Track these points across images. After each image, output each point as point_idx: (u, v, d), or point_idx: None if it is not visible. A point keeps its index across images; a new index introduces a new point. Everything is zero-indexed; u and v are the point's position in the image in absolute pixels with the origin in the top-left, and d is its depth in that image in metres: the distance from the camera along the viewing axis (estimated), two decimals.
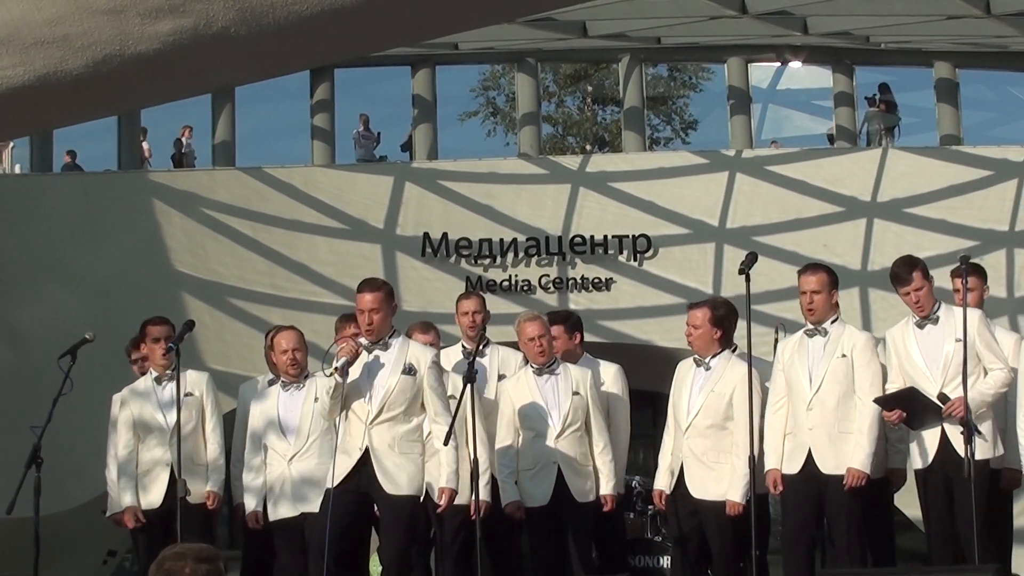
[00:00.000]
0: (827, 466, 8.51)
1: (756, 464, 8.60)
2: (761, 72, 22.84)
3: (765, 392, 8.81)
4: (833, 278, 8.78)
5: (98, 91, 6.42)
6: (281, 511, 9.28)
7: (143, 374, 9.95)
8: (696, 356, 9.11)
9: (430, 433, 8.53)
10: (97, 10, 5.96)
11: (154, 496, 9.51)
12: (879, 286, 16.32)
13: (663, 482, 9.13)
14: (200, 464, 9.63)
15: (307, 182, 17.86)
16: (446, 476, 8.40)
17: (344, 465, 8.37)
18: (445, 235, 17.56)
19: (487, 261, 17.57)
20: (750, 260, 8.64)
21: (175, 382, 9.35)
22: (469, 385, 8.58)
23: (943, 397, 8.38)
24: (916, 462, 8.66)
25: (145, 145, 21.71)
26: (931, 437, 8.52)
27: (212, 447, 9.67)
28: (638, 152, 20.54)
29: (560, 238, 17.64)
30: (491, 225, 17.69)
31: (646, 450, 14.35)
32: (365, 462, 8.36)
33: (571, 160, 19.89)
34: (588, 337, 10.43)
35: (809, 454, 8.54)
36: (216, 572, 4.45)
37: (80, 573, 14.72)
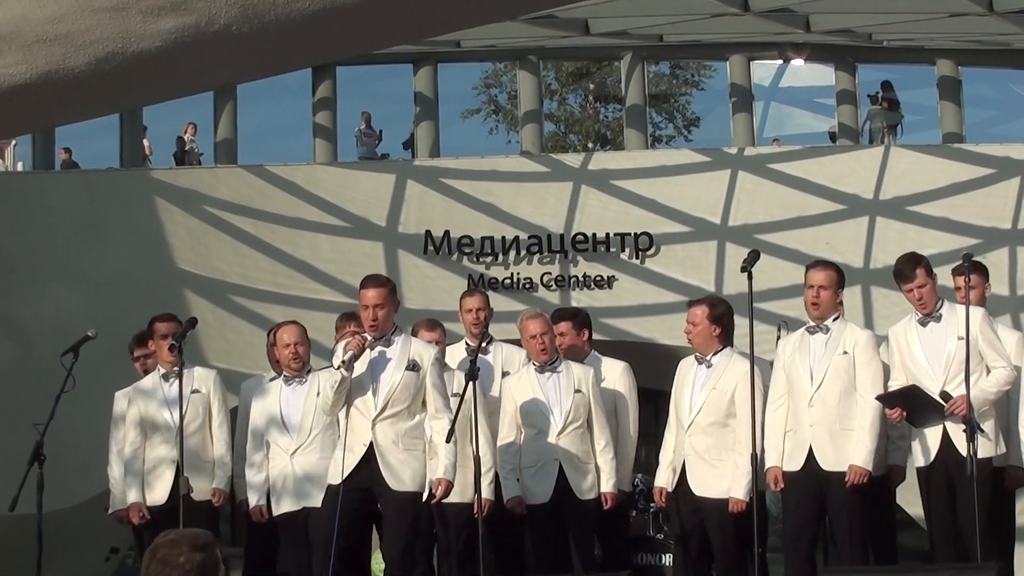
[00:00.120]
0: (828, 463, 8.50)
1: (757, 461, 8.60)
2: (763, 70, 22.85)
3: (764, 390, 8.81)
4: (841, 277, 8.80)
5: (100, 89, 6.43)
6: (284, 506, 9.30)
7: (145, 371, 9.96)
8: (697, 354, 9.11)
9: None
10: (99, 8, 5.97)
11: (159, 493, 9.51)
12: (881, 284, 16.33)
13: (664, 480, 9.13)
14: (206, 461, 9.64)
15: (309, 180, 17.86)
16: (443, 468, 8.40)
17: (348, 461, 8.37)
18: (447, 233, 17.55)
19: (489, 259, 17.57)
20: (752, 258, 8.63)
21: (181, 379, 9.40)
22: (472, 383, 8.59)
23: (945, 395, 8.38)
24: (918, 460, 8.66)
25: (145, 143, 21.71)
26: (933, 435, 8.52)
27: (219, 444, 9.67)
28: (640, 150, 20.54)
29: (562, 236, 17.63)
30: (493, 223, 17.68)
31: (648, 448, 14.36)
32: (369, 458, 8.36)
33: (573, 158, 19.88)
34: None
35: (810, 451, 8.54)
36: (212, 560, 4.32)
37: (83, 570, 14.72)
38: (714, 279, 17.30)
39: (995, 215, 17.37)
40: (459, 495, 8.82)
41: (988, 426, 8.43)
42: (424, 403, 8.50)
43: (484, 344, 9.68)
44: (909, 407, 8.49)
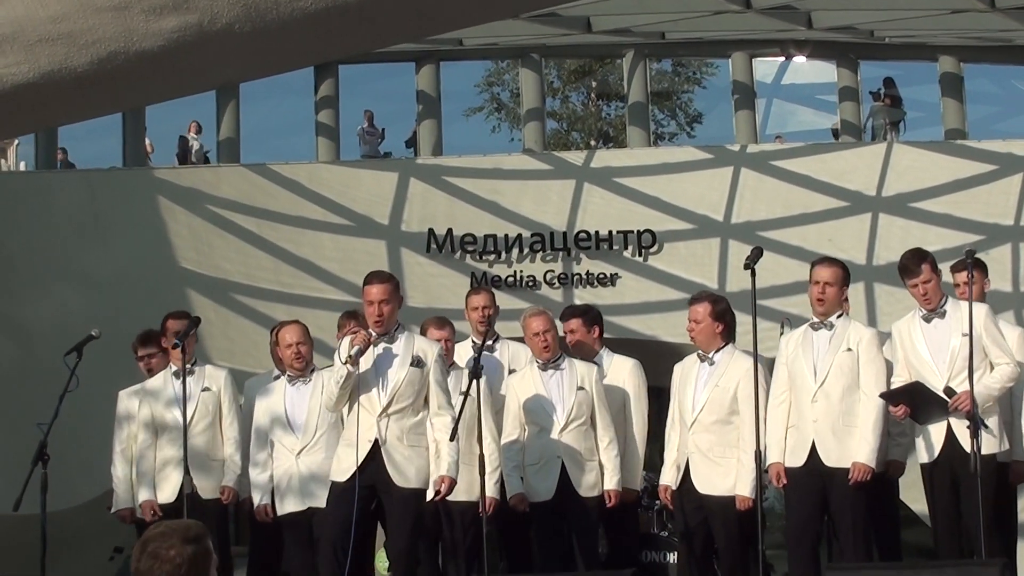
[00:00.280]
0: (831, 459, 8.51)
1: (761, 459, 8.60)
2: (765, 67, 22.84)
3: (766, 387, 8.80)
4: (846, 274, 8.82)
5: (103, 88, 6.42)
6: (288, 506, 9.30)
7: (149, 371, 9.96)
8: (699, 352, 9.11)
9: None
10: (101, 7, 5.96)
11: (168, 492, 9.51)
12: (884, 280, 16.33)
13: (669, 478, 9.13)
14: (216, 460, 9.64)
15: (312, 178, 17.85)
16: (446, 465, 8.40)
17: (352, 459, 8.36)
18: (450, 231, 17.55)
19: (492, 257, 17.56)
20: (755, 255, 8.63)
21: (192, 377, 9.44)
22: (476, 381, 8.59)
23: (949, 391, 8.38)
24: (922, 456, 8.66)
25: (147, 140, 21.71)
26: (937, 432, 8.52)
27: (228, 443, 9.67)
28: (643, 147, 20.54)
29: (565, 234, 17.62)
30: (496, 221, 17.67)
31: (652, 445, 14.37)
32: (374, 455, 8.35)
33: (576, 156, 19.87)
34: None
35: (813, 448, 8.55)
36: (204, 552, 4.27)
37: (86, 570, 14.72)
38: (717, 276, 17.29)
39: (998, 211, 17.36)
40: (465, 493, 8.82)
41: (992, 423, 8.44)
42: (427, 400, 8.51)
43: (491, 342, 9.71)
44: (913, 404, 8.49)
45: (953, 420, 8.43)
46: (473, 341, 9.74)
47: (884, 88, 21.82)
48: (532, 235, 17.60)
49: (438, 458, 8.46)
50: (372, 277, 8.62)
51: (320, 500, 8.82)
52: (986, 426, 8.35)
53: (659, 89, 30.91)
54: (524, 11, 15.14)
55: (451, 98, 23.56)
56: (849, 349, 8.60)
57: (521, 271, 17.55)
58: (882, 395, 8.52)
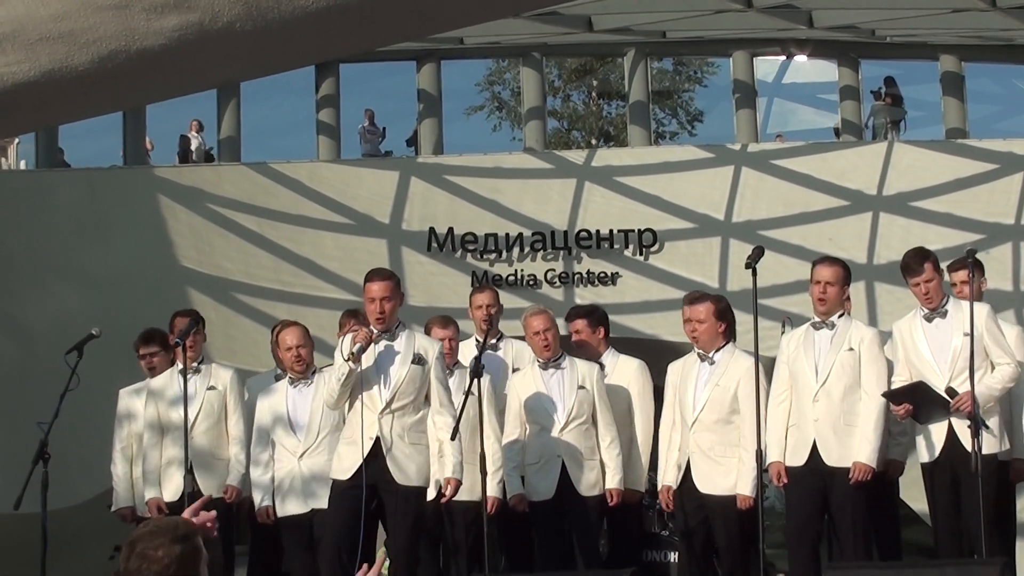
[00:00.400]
0: (832, 459, 8.51)
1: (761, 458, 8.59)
2: (766, 66, 22.82)
3: (766, 386, 8.79)
4: (847, 273, 8.82)
5: (103, 87, 6.42)
6: (290, 507, 9.29)
7: (151, 369, 9.96)
8: (699, 351, 9.10)
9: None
10: (102, 6, 5.96)
11: (172, 491, 9.49)
12: (885, 280, 16.32)
13: (670, 478, 9.13)
14: (220, 459, 9.63)
15: (312, 177, 17.84)
16: (451, 467, 8.41)
17: (353, 457, 8.35)
18: (451, 230, 17.54)
19: (493, 256, 17.55)
20: (757, 254, 8.63)
21: (198, 376, 9.45)
22: (476, 380, 8.59)
23: (951, 391, 8.37)
24: (923, 456, 8.66)
25: (147, 138, 21.68)
26: (938, 431, 8.52)
27: (233, 442, 9.65)
28: (643, 146, 20.51)
29: (566, 233, 17.61)
30: (497, 220, 17.66)
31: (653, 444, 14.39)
32: (376, 454, 8.35)
33: (577, 154, 19.86)
34: None
35: (814, 447, 8.55)
36: (192, 550, 4.22)
37: (86, 569, 14.71)
38: (718, 275, 17.28)
39: (998, 210, 17.35)
40: (467, 493, 8.81)
41: (993, 423, 8.44)
42: (428, 397, 8.51)
43: (495, 341, 9.72)
44: (915, 403, 8.49)
45: (954, 420, 8.43)
46: (477, 340, 9.73)
47: (885, 87, 21.80)
48: (533, 234, 17.59)
49: (441, 458, 8.47)
50: (373, 274, 8.62)
51: (322, 501, 8.82)
52: (987, 426, 8.36)
53: (660, 88, 30.91)
54: (525, 10, 15.14)
55: (452, 97, 23.55)
56: (851, 349, 8.60)
57: (522, 270, 17.54)
58: (885, 394, 8.52)
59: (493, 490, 9.03)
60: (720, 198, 17.73)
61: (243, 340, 16.10)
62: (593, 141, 32.06)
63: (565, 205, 17.73)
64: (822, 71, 22.80)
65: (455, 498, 8.76)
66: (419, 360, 8.47)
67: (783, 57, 22.59)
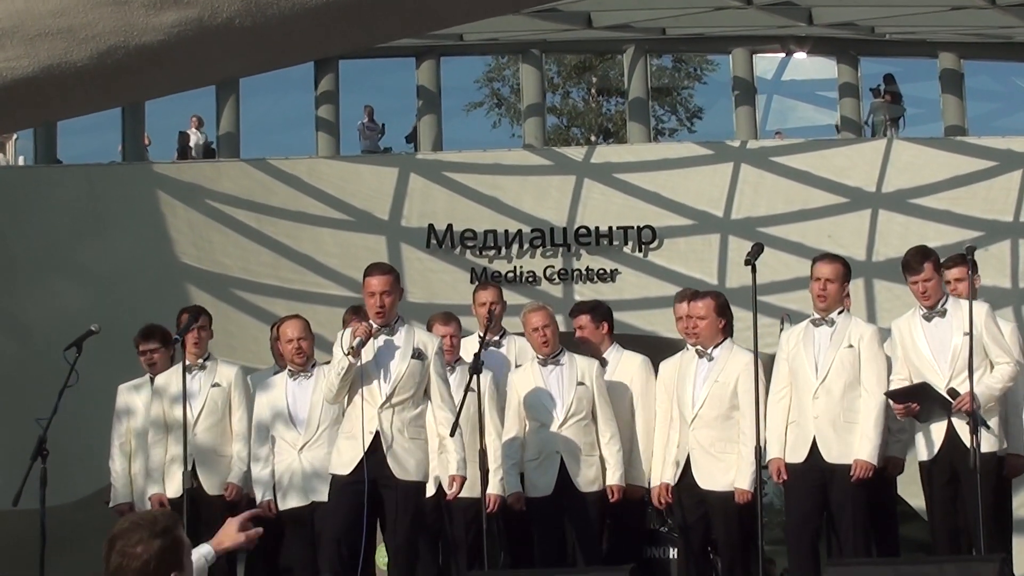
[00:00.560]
0: (832, 455, 8.51)
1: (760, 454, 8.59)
2: (766, 63, 22.82)
3: (764, 383, 8.79)
4: (848, 271, 8.83)
5: (103, 82, 6.42)
6: (291, 501, 9.30)
7: (151, 365, 9.95)
8: (697, 348, 9.10)
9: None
10: (102, 1, 5.96)
11: (174, 487, 9.48)
12: (884, 277, 16.33)
13: (668, 475, 9.13)
14: (223, 456, 9.63)
15: (312, 174, 17.85)
16: (455, 464, 8.42)
17: (353, 452, 8.35)
18: (450, 226, 17.54)
19: (492, 252, 17.56)
20: (756, 251, 8.61)
21: (203, 372, 9.45)
22: (477, 376, 8.59)
23: (953, 392, 8.36)
24: (922, 454, 8.66)
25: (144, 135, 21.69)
26: (938, 429, 8.52)
27: (237, 439, 9.64)
28: (643, 143, 20.52)
29: (565, 229, 17.62)
30: (496, 216, 17.67)
31: None
32: (375, 448, 8.34)
33: (576, 151, 19.87)
34: None
35: (814, 443, 8.55)
36: (173, 543, 4.16)
37: (85, 565, 14.72)
38: (717, 272, 17.29)
39: (997, 208, 17.36)
40: (467, 490, 8.79)
41: (993, 422, 8.43)
42: (427, 392, 8.51)
43: (497, 337, 9.72)
44: (918, 403, 8.48)
45: (954, 418, 8.43)
46: (480, 336, 9.72)
47: (884, 84, 21.80)
48: (532, 231, 17.59)
49: (443, 455, 8.47)
50: (373, 269, 8.62)
51: (322, 495, 8.81)
52: (988, 426, 8.35)
53: (659, 85, 30.90)
54: (525, 7, 15.14)
55: (451, 94, 23.54)
56: (850, 346, 8.60)
57: (521, 267, 17.55)
58: (888, 394, 8.51)
59: (494, 488, 9.03)
60: (719, 195, 17.74)
61: (242, 337, 16.10)
62: (592, 138, 32.06)
63: (564, 202, 17.74)
64: (821, 68, 22.81)
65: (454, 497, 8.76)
66: (419, 355, 8.47)
67: (782, 54, 22.59)
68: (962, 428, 8.34)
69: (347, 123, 21.72)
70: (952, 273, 8.92)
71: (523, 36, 20.76)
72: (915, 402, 8.46)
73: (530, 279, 17.46)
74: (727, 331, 9.11)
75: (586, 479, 9.21)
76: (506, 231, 17.58)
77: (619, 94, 29.59)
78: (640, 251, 17.57)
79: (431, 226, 17.55)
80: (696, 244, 17.63)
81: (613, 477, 9.21)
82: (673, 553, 9.78)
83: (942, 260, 8.95)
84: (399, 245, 17.49)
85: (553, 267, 17.56)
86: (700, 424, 8.91)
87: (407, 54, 21.20)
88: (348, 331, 8.46)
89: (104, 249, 17.01)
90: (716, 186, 17.81)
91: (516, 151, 19.31)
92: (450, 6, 6.79)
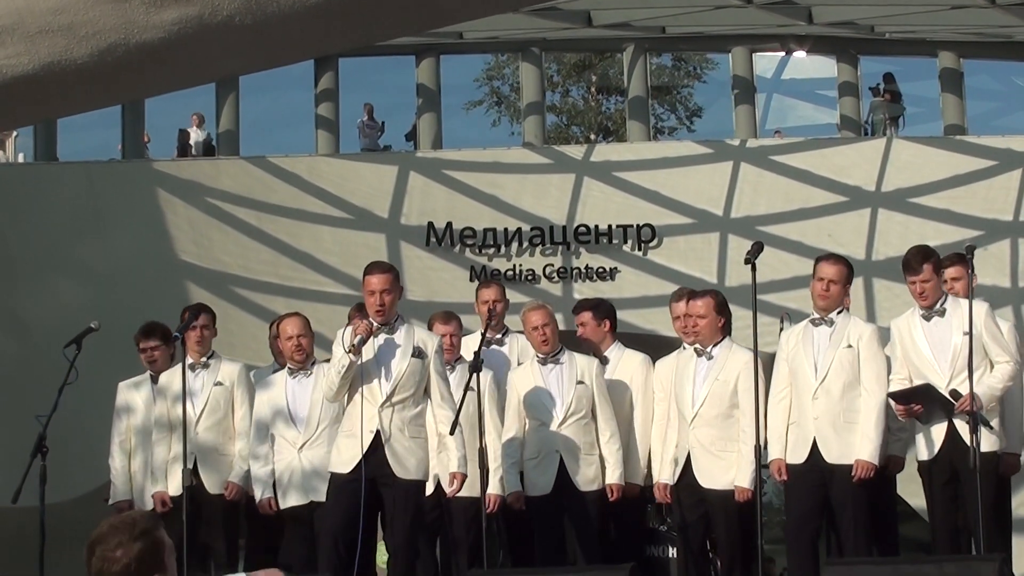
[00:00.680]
0: (832, 455, 8.51)
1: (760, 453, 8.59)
2: (765, 62, 22.82)
3: (764, 382, 8.79)
4: (850, 272, 8.83)
5: (103, 80, 6.43)
6: (291, 500, 9.28)
7: (152, 363, 9.94)
8: (696, 347, 9.10)
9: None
10: None
11: (175, 485, 9.47)
12: (883, 276, 16.33)
13: (667, 474, 9.13)
14: (225, 455, 9.62)
15: (311, 171, 17.85)
16: (456, 461, 8.42)
17: (353, 450, 8.34)
18: (449, 224, 17.54)
19: (491, 251, 17.56)
20: (756, 249, 8.60)
21: (206, 371, 9.45)
22: (476, 375, 8.59)
23: (955, 394, 8.35)
24: (922, 454, 8.65)
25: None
26: (938, 428, 8.51)
27: (239, 437, 9.63)
28: (642, 142, 20.52)
29: (564, 228, 17.62)
30: (495, 214, 17.67)
31: None
32: (376, 447, 8.34)
33: (575, 149, 19.87)
34: None
35: (814, 444, 8.54)
36: (153, 545, 4.15)
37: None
38: (716, 271, 17.29)
39: (996, 207, 17.36)
40: (467, 489, 8.80)
41: (995, 422, 8.43)
42: (427, 391, 8.50)
43: (500, 336, 9.72)
44: (921, 405, 8.47)
45: (955, 417, 8.42)
46: (482, 334, 9.71)
47: (884, 83, 21.80)
48: (532, 229, 17.60)
49: (445, 453, 8.47)
50: (373, 267, 8.62)
51: (322, 494, 8.80)
52: (991, 426, 8.35)
53: (659, 83, 30.89)
54: (525, 5, 15.14)
55: (451, 92, 23.53)
56: (849, 346, 8.60)
57: (520, 265, 17.55)
58: (892, 395, 8.51)
59: (494, 487, 9.04)
60: (719, 194, 17.74)
61: (241, 334, 16.09)
62: (592, 136, 32.06)
63: (564, 200, 17.74)
64: (821, 67, 22.80)
65: (455, 495, 8.77)
66: (419, 353, 8.47)
67: (782, 53, 22.58)
68: (963, 427, 8.34)
69: (347, 121, 21.73)
70: (949, 272, 8.91)
71: (523, 34, 20.76)
72: (918, 403, 8.45)
73: (529, 277, 17.46)
74: (726, 330, 9.11)
75: (585, 478, 9.20)
76: (506, 229, 17.58)
77: (619, 92, 29.59)
78: (640, 250, 17.57)
79: (431, 224, 17.55)
80: (696, 243, 17.63)
81: (612, 476, 9.21)
82: (673, 552, 9.79)
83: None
84: (399, 243, 17.49)
85: (552, 265, 17.56)
86: (700, 423, 8.92)
87: (407, 52, 21.19)
88: (349, 329, 8.46)
89: (104, 246, 17.01)
90: (716, 185, 17.81)
91: (516, 149, 19.31)
92: (451, 5, 6.79)
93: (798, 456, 8.59)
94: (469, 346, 9.59)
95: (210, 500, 9.38)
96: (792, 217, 17.50)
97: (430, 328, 9.23)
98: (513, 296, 14.98)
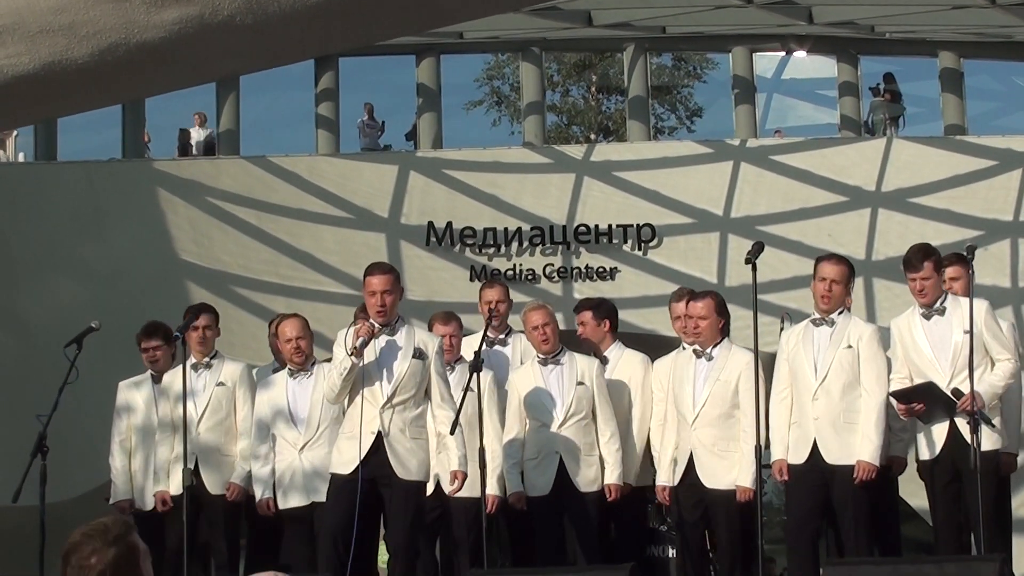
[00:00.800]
0: (832, 456, 8.50)
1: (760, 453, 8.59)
2: (766, 61, 22.83)
3: (764, 382, 8.79)
4: (852, 272, 8.83)
5: (103, 80, 6.43)
6: (291, 501, 9.27)
7: (153, 362, 9.95)
8: (695, 348, 9.10)
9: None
10: None
11: (175, 485, 9.46)
12: (883, 276, 16.34)
13: (666, 477, 9.12)
14: (226, 455, 9.61)
15: (312, 171, 17.86)
16: (457, 460, 8.42)
17: (354, 451, 8.34)
18: (450, 224, 17.55)
19: (491, 250, 17.57)
20: (757, 249, 8.59)
21: (208, 371, 9.45)
22: (476, 375, 8.59)
23: (957, 392, 8.36)
24: (923, 453, 8.65)
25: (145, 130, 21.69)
26: (940, 427, 8.51)
27: (242, 437, 9.62)
28: (643, 141, 20.53)
29: (565, 227, 17.63)
30: (496, 214, 17.68)
31: None
32: (378, 447, 8.34)
33: (576, 149, 19.87)
34: None
35: (815, 444, 8.54)
36: (128, 550, 4.11)
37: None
38: (716, 270, 17.30)
39: (997, 207, 17.37)
40: (467, 490, 8.80)
41: (997, 420, 8.43)
42: (427, 392, 8.51)
43: (503, 336, 9.72)
44: (923, 403, 8.47)
45: (956, 416, 8.42)
46: (483, 335, 9.71)
47: (884, 83, 21.81)
48: (532, 229, 17.60)
49: (445, 452, 8.47)
50: (374, 268, 8.62)
51: (323, 495, 8.78)
52: (993, 425, 8.35)
53: (659, 83, 30.90)
54: (526, 5, 15.15)
55: (451, 91, 23.55)
56: (850, 346, 8.59)
57: (520, 264, 17.56)
58: (894, 394, 8.51)
59: (492, 488, 9.03)
60: (719, 194, 17.75)
61: (241, 334, 16.08)
62: (592, 136, 32.07)
63: (564, 200, 17.75)
64: (821, 67, 22.81)
65: (456, 494, 8.77)
66: (420, 354, 8.47)
67: (782, 53, 22.59)
68: (965, 427, 8.33)
69: (347, 121, 21.74)
70: (948, 272, 8.91)
71: (523, 34, 20.78)
72: (919, 402, 8.44)
73: (529, 277, 17.47)
74: (725, 330, 9.12)
75: (585, 479, 9.20)
76: (506, 229, 17.59)
77: (619, 92, 29.61)
78: (640, 249, 17.58)
79: (431, 224, 17.56)
80: (696, 242, 17.64)
81: (611, 476, 9.21)
82: (673, 552, 9.79)
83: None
84: (399, 243, 17.50)
85: (553, 265, 17.57)
86: (702, 424, 8.91)
87: (407, 52, 21.20)
88: (350, 331, 8.45)
89: (104, 246, 17.02)
90: (716, 185, 17.81)
91: (516, 149, 19.32)
92: (451, 4, 6.80)
93: (798, 456, 8.59)
94: (469, 347, 9.59)
95: (211, 500, 9.37)
96: (792, 217, 17.50)
97: (430, 329, 9.23)
98: (513, 296, 14.99)
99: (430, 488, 8.78)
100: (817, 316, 8.72)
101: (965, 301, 8.45)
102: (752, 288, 8.50)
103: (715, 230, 17.59)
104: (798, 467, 8.59)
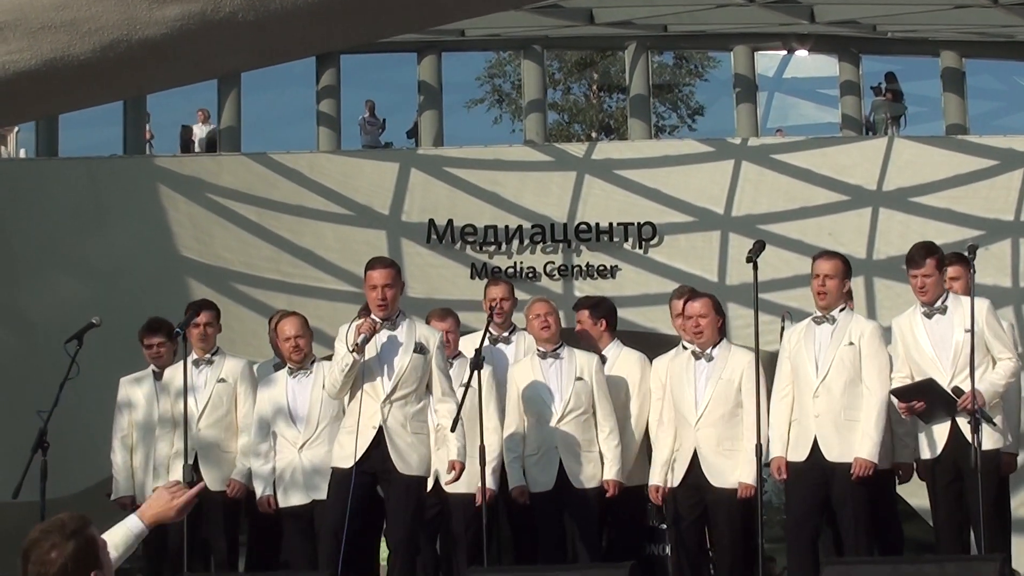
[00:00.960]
0: (833, 454, 8.50)
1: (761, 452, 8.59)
2: (767, 60, 22.81)
3: (765, 381, 8.79)
4: (847, 267, 8.82)
5: (105, 76, 6.43)
6: (292, 499, 9.27)
7: (156, 359, 9.95)
8: (694, 348, 9.10)
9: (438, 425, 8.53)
10: None
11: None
12: (884, 275, 16.35)
13: (659, 477, 9.11)
14: (226, 452, 9.61)
15: (313, 168, 17.86)
16: (456, 450, 8.41)
17: (358, 444, 8.33)
18: (450, 222, 17.55)
19: (492, 248, 17.57)
20: (758, 248, 8.59)
21: (210, 367, 9.45)
22: (477, 372, 8.59)
23: (957, 391, 8.36)
24: (924, 453, 8.64)
25: (147, 126, 21.68)
26: (941, 426, 8.50)
27: (242, 435, 9.62)
28: (644, 140, 20.52)
29: (565, 225, 17.64)
30: (496, 212, 17.68)
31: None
32: (379, 442, 8.34)
33: (577, 147, 19.87)
34: None
35: (815, 442, 8.54)
36: (86, 542, 4.10)
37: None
38: (717, 269, 17.30)
39: (998, 207, 17.36)
40: (466, 485, 8.81)
41: (999, 419, 8.43)
42: (428, 387, 8.51)
43: (507, 334, 9.72)
44: (923, 401, 8.47)
45: (958, 416, 8.42)
46: (491, 333, 9.69)
47: (886, 83, 21.80)
48: (533, 227, 17.60)
49: (444, 444, 8.48)
50: (375, 262, 8.64)
51: (323, 493, 8.79)
52: (994, 423, 8.35)
53: (661, 82, 30.90)
54: (527, 3, 15.15)
55: (453, 89, 23.56)
56: (851, 343, 8.58)
57: (521, 262, 17.56)
58: (894, 391, 8.50)
59: (489, 482, 9.04)
60: (720, 192, 17.75)
61: (242, 330, 16.09)
62: (593, 134, 32.07)
63: (565, 198, 17.75)
64: (823, 66, 22.79)
65: (455, 490, 8.77)
66: (421, 349, 8.48)
67: (784, 52, 22.58)
68: (966, 426, 8.32)
69: (348, 118, 21.73)
70: (949, 272, 8.91)
71: (525, 32, 20.77)
72: (920, 399, 8.44)
73: (530, 275, 17.47)
74: (723, 331, 9.13)
75: (585, 475, 9.20)
76: (506, 227, 17.59)
77: (620, 90, 29.61)
78: (640, 248, 17.58)
79: (431, 221, 17.56)
80: (697, 241, 17.64)
81: (610, 472, 9.21)
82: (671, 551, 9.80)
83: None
84: (399, 240, 17.50)
85: (553, 263, 17.57)
86: (706, 424, 8.90)
87: (408, 49, 21.20)
88: (352, 327, 8.45)
89: (105, 242, 17.03)
90: (717, 183, 17.81)
91: (517, 147, 19.33)
92: (453, 2, 6.80)
93: (799, 454, 8.59)
94: (467, 345, 9.60)
95: (211, 497, 9.36)
96: (793, 216, 17.51)
97: (427, 323, 9.23)
98: None
99: (429, 485, 8.77)
100: (818, 314, 8.72)
101: (966, 300, 8.45)
102: (753, 287, 8.50)
103: (716, 229, 17.59)
104: (798, 465, 8.59)
